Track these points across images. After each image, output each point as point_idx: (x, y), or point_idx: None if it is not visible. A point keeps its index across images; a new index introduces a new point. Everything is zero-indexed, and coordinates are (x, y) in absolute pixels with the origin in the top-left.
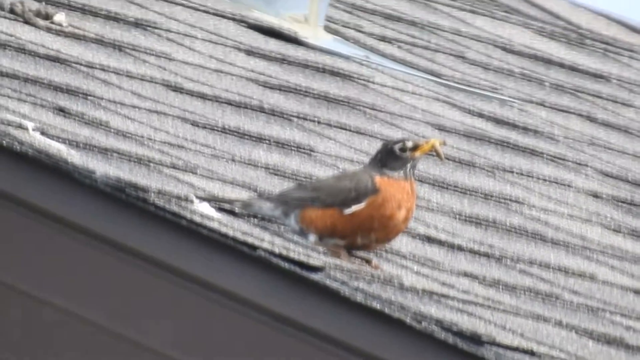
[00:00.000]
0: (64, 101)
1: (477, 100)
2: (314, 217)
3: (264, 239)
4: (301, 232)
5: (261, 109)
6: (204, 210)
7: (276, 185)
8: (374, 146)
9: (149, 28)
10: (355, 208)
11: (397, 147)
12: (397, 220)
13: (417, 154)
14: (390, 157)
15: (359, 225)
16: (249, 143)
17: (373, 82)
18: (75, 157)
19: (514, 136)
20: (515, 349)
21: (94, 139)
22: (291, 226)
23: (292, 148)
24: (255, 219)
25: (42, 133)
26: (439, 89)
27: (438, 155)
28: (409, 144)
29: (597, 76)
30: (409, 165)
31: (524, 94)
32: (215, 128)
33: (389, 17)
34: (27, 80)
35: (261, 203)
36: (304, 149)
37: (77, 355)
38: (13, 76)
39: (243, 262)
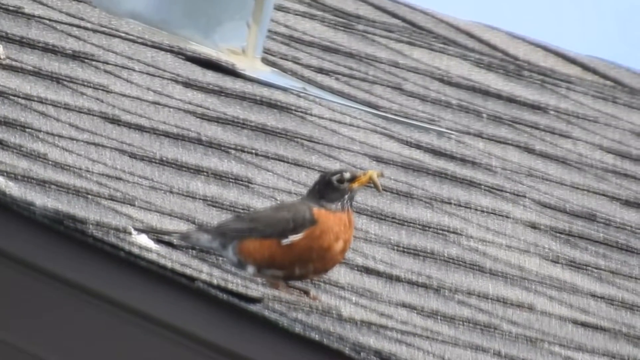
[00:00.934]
0: (1, 133)
1: (415, 131)
2: (252, 248)
3: (202, 271)
4: (239, 264)
5: (199, 141)
6: (142, 242)
7: (214, 217)
8: (312, 178)
9: (86, 60)
10: (293, 239)
11: (334, 178)
12: (334, 251)
13: (355, 185)
14: (328, 188)
15: (297, 256)
16: (187, 175)
17: (311, 114)
18: (13, 189)
19: (451, 167)
20: None
21: (32, 170)
22: (229, 257)
23: (230, 180)
24: (194, 251)
25: None
26: (377, 121)
27: (376, 186)
28: (347, 176)
29: (534, 107)
30: (346, 197)
31: (462, 126)
32: (153, 160)
33: (326, 49)
34: None
35: (199, 235)
36: (241, 180)
37: None
38: None
39: (181, 294)
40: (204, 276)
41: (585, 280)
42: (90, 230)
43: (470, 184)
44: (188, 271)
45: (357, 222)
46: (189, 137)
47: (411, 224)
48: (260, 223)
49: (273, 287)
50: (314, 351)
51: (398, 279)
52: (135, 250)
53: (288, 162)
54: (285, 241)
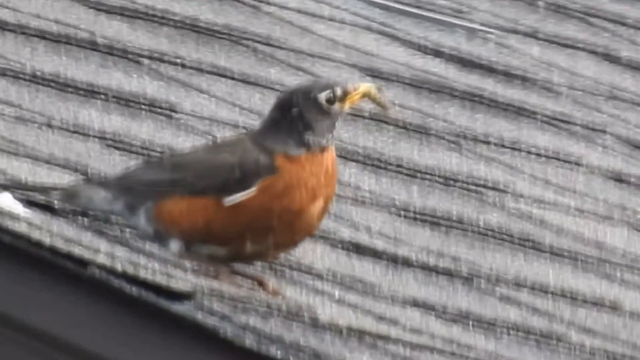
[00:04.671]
0: None
1: (432, 30)
2: (176, 211)
3: (99, 250)
4: (157, 237)
5: (93, 45)
6: (4, 204)
7: (116, 164)
8: (269, 101)
9: None
10: (241, 196)
11: (324, 96)
12: (308, 215)
13: (347, 106)
14: (310, 112)
15: (247, 223)
16: (75, 97)
17: (268, 3)
18: None
19: (489, 86)
20: None
21: None
22: (141, 227)
23: (143, 106)
24: (85, 218)
25: None
26: (372, 13)
27: (380, 104)
28: (338, 91)
29: None
30: (337, 125)
31: (505, 19)
32: (21, 74)
33: None
34: None
35: (92, 191)
36: (160, 107)
37: None
38: None
39: (66, 286)
40: (101, 258)
41: None
42: None
43: (519, 112)
44: (77, 250)
45: (342, 173)
46: (78, 39)
47: (427, 177)
48: (188, 172)
49: (210, 275)
50: None
51: (406, 263)
52: None
53: (232, 78)
54: (228, 200)
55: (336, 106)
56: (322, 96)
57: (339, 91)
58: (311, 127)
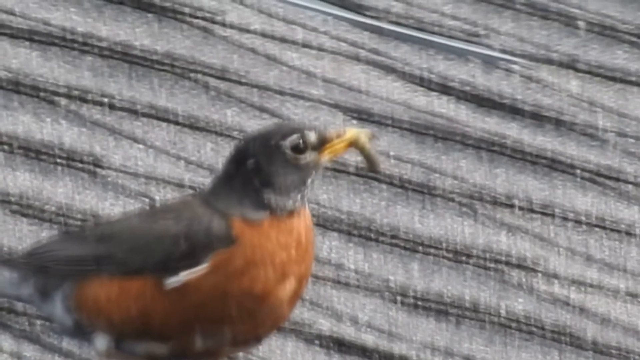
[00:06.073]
0: None
1: (438, 59)
2: (103, 297)
3: (2, 349)
4: (78, 331)
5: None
6: None
7: (24, 236)
8: (223, 153)
9: None
10: (187, 275)
11: (288, 143)
12: (275, 301)
13: (326, 156)
14: (271, 164)
15: (196, 312)
16: None
17: (223, 25)
18: None
19: (513, 132)
20: None
21: None
22: (57, 318)
23: (59, 159)
24: None
25: None
26: (360, 37)
27: (367, 159)
28: (312, 137)
29: None
30: (308, 182)
31: (533, 45)
32: None
33: None
34: None
35: None
36: (81, 160)
37: None
38: None
39: None
40: None
41: None
42: None
43: (552, 165)
44: None
45: (320, 247)
46: None
47: (431, 250)
48: (118, 245)
49: None
50: None
51: None
52: None
53: (177, 123)
54: (171, 281)
55: (308, 157)
56: (287, 143)
57: (312, 137)
58: (271, 184)
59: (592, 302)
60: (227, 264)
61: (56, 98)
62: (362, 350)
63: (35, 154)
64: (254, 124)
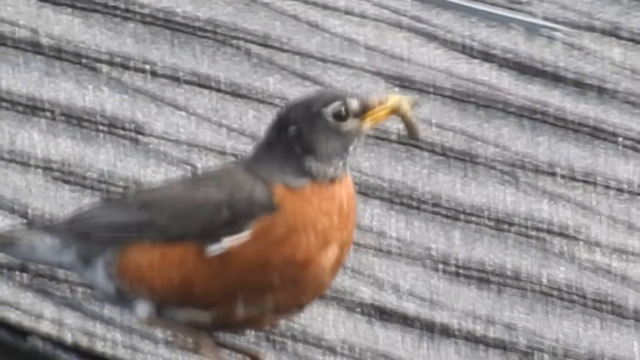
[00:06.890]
0: None
1: (480, 26)
2: (145, 264)
3: (43, 316)
4: (119, 298)
5: (36, 47)
6: None
7: (66, 203)
8: (265, 120)
9: None
10: (230, 243)
11: (330, 110)
12: (317, 268)
13: (368, 123)
14: (312, 132)
15: (238, 280)
16: (11, 115)
17: None
18: None
19: (555, 100)
20: None
21: None
22: (98, 285)
23: (101, 126)
24: (24, 274)
25: None
26: (402, 5)
27: (409, 128)
28: (354, 104)
29: None
30: (350, 148)
31: (576, 12)
32: None
33: None
34: None
35: (35, 238)
36: (123, 128)
37: None
38: None
39: None
40: (45, 326)
41: None
42: None
43: (594, 133)
44: (13, 316)
45: (362, 215)
46: (15, 39)
47: (473, 218)
48: (160, 213)
49: (189, 348)
50: None
51: (445, 332)
52: None
53: (219, 90)
54: (213, 249)
55: (350, 124)
56: (329, 110)
57: (354, 104)
58: (312, 151)
59: (633, 271)
60: (269, 231)
61: (98, 65)
62: (404, 318)
63: (77, 120)
64: (296, 92)
